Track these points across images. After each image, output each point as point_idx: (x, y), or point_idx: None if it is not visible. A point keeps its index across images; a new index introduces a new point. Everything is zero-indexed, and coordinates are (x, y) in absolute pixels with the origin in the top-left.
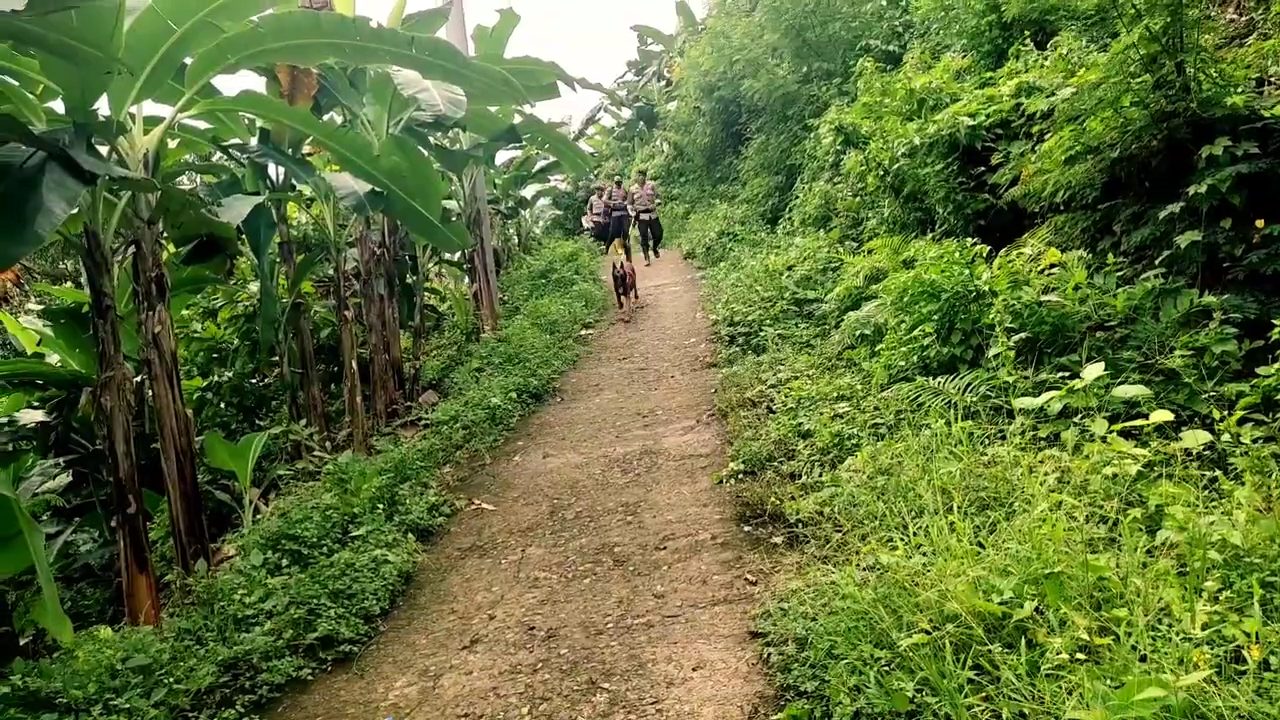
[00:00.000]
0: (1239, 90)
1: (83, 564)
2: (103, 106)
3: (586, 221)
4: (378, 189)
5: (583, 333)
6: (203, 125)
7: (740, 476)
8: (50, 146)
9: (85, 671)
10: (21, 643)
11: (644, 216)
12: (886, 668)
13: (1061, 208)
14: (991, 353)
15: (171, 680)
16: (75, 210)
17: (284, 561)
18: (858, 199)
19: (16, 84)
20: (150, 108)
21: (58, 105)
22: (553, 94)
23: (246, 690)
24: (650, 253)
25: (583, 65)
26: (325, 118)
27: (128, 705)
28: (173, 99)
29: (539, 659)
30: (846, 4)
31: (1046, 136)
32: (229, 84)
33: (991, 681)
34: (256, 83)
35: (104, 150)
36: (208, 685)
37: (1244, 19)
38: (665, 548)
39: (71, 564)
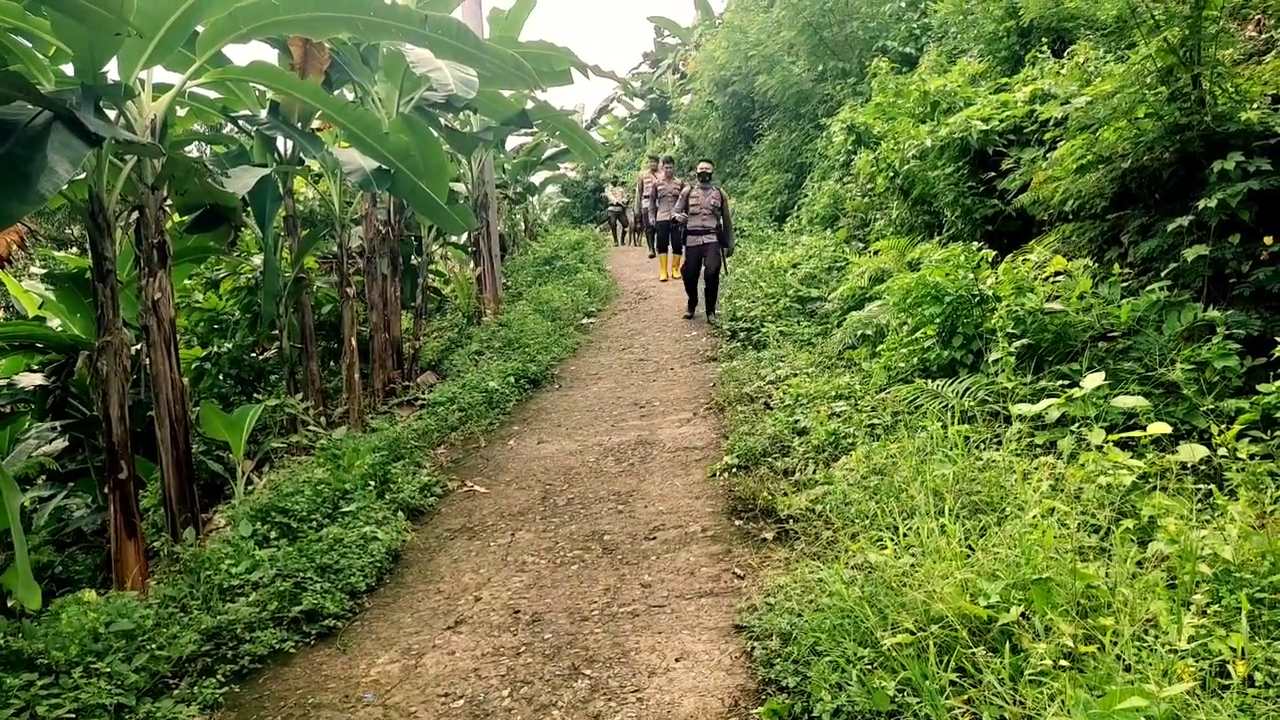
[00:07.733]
0: (1254, 106)
1: (75, 529)
2: (112, 71)
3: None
4: (385, 167)
5: (584, 321)
6: (213, 95)
7: (734, 471)
8: (57, 107)
9: (68, 634)
10: (9, 604)
11: (696, 239)
12: (869, 666)
13: (1070, 216)
14: (992, 358)
15: (154, 646)
16: (81, 174)
17: (273, 534)
18: (866, 199)
19: (29, 44)
20: (161, 75)
21: (69, 70)
22: (566, 80)
23: (228, 660)
24: (705, 305)
25: (598, 55)
26: (336, 93)
27: (109, 669)
28: (183, 67)
29: (522, 642)
30: (865, 4)
31: (1059, 144)
32: (241, 55)
33: (974, 684)
34: (268, 54)
35: (111, 114)
36: (190, 653)
37: (1264, 36)
38: (655, 538)
39: (63, 529)
